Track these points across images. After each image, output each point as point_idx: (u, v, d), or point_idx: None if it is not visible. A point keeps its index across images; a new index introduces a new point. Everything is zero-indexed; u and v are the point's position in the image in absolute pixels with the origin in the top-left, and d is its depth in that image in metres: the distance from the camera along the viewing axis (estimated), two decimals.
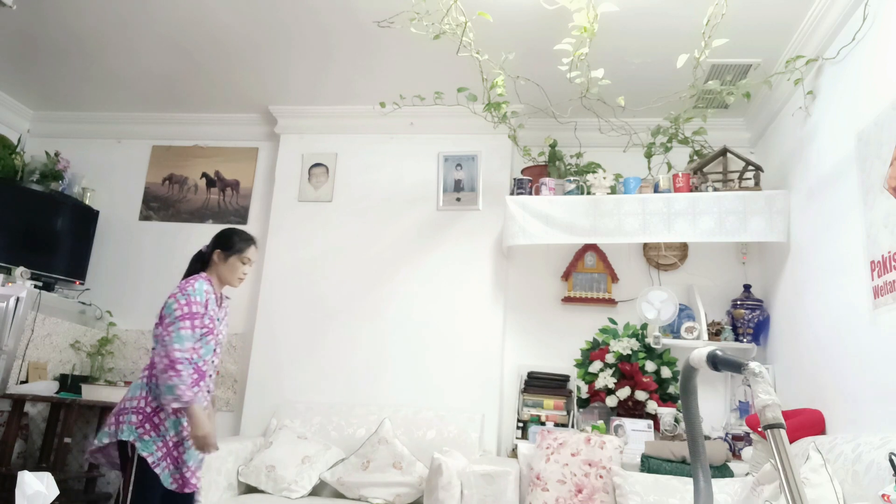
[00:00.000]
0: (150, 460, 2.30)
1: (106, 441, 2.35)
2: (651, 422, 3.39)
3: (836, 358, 2.78)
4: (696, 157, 3.75)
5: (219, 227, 4.39)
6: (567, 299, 3.91)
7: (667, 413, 3.31)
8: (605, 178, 3.56)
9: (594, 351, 3.63)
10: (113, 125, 4.68)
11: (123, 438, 2.31)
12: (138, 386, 2.41)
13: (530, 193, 3.73)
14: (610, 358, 3.51)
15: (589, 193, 3.58)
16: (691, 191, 3.49)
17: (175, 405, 2.33)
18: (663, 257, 3.92)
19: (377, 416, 3.59)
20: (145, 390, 2.39)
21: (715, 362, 1.17)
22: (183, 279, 2.55)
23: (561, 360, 3.79)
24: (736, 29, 3.09)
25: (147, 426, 2.34)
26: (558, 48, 3.06)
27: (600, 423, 3.40)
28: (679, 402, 3.37)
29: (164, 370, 2.32)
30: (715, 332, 3.62)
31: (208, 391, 2.52)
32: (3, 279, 3.65)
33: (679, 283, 3.85)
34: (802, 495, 0.96)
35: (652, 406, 3.41)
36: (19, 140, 4.38)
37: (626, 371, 3.46)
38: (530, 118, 3.95)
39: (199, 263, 2.64)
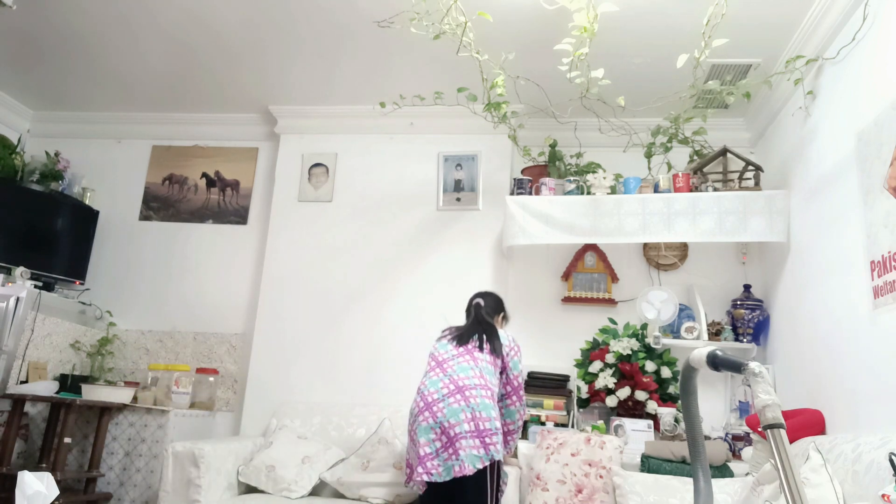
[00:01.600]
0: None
1: (479, 466, 2.40)
2: (651, 422, 3.39)
3: (836, 358, 2.78)
4: (696, 157, 3.75)
5: (219, 228, 4.46)
6: (567, 299, 3.91)
7: (667, 413, 3.31)
8: (605, 178, 3.56)
9: (594, 351, 3.63)
10: (113, 125, 4.68)
11: (497, 458, 2.47)
12: (490, 406, 2.53)
13: (530, 193, 3.73)
14: (610, 358, 3.51)
15: (589, 193, 3.58)
16: (691, 191, 3.48)
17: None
18: (663, 257, 3.92)
19: (377, 416, 3.59)
20: (495, 410, 2.56)
21: (715, 362, 1.17)
22: (483, 323, 2.84)
23: (561, 360, 3.79)
24: (736, 29, 3.09)
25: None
26: (558, 48, 3.06)
27: (600, 423, 3.40)
28: (679, 402, 3.37)
29: (518, 430, 2.85)
30: (715, 332, 3.62)
31: None
32: (3, 279, 3.65)
33: (679, 283, 3.85)
34: (802, 495, 0.96)
35: (652, 406, 3.41)
36: (19, 140, 4.38)
37: (626, 371, 3.46)
38: (530, 118, 3.95)
39: (478, 310, 2.91)
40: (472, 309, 2.94)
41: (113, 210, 4.56)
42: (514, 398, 2.79)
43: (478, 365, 2.63)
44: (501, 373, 2.75)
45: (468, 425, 2.43)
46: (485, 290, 3.10)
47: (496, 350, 2.73)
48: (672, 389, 3.48)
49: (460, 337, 2.76)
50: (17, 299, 3.51)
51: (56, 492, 1.91)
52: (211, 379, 4.01)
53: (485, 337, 2.75)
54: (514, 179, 3.82)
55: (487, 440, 2.43)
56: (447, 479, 2.37)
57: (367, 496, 3.17)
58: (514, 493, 3.01)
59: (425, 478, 2.38)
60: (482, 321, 2.85)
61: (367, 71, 3.83)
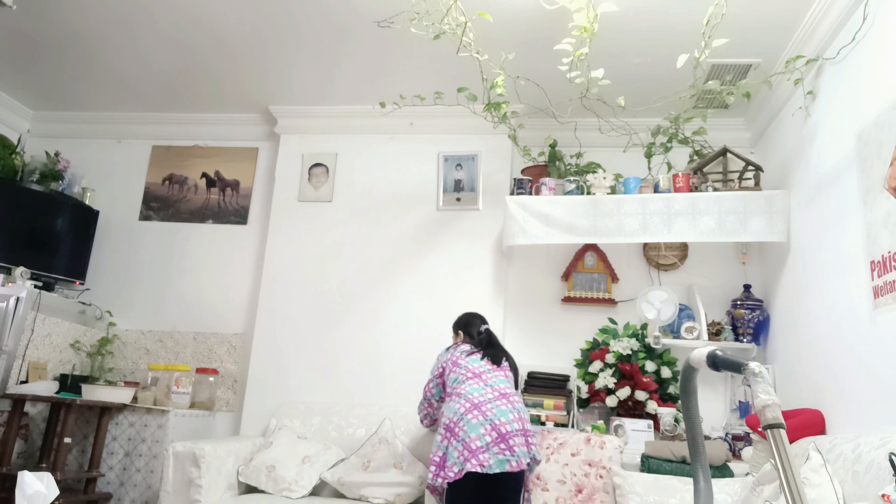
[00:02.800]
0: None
1: (525, 462, 2.56)
2: (651, 422, 3.39)
3: (836, 358, 2.78)
4: (696, 157, 3.75)
5: (219, 228, 4.46)
6: (567, 299, 3.91)
7: (667, 413, 3.31)
8: (605, 178, 3.56)
9: (594, 351, 3.63)
10: (113, 125, 4.68)
11: (539, 458, 2.67)
12: (527, 411, 2.78)
13: (530, 193, 3.73)
14: (610, 358, 3.51)
15: (589, 193, 3.58)
16: (691, 191, 3.48)
17: None
18: (663, 257, 3.92)
19: (377, 416, 3.59)
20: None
21: (715, 362, 1.17)
22: (506, 353, 3.02)
23: (561, 360, 3.79)
24: (736, 29, 3.09)
25: None
26: (558, 48, 3.06)
27: (600, 423, 3.40)
28: (679, 402, 3.37)
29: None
30: (715, 332, 3.62)
31: None
32: (3, 279, 3.65)
33: (679, 283, 3.85)
34: (802, 495, 0.96)
35: (652, 406, 3.41)
36: (19, 140, 4.38)
37: (626, 371, 3.46)
38: (530, 118, 3.95)
39: (491, 336, 3.08)
40: (486, 335, 3.07)
41: (113, 210, 4.56)
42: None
43: (510, 383, 2.86)
44: None
45: (517, 424, 2.61)
46: (475, 311, 3.25)
47: (516, 387, 2.96)
48: (672, 389, 3.48)
49: (494, 357, 2.94)
50: (17, 299, 3.51)
51: (56, 492, 1.91)
52: (211, 379, 4.01)
53: (512, 370, 2.98)
54: (514, 179, 3.82)
55: (530, 440, 2.63)
56: (498, 471, 2.47)
57: (368, 496, 3.17)
58: None
59: (478, 469, 2.45)
60: (504, 351, 3.03)
61: (367, 71, 3.83)
